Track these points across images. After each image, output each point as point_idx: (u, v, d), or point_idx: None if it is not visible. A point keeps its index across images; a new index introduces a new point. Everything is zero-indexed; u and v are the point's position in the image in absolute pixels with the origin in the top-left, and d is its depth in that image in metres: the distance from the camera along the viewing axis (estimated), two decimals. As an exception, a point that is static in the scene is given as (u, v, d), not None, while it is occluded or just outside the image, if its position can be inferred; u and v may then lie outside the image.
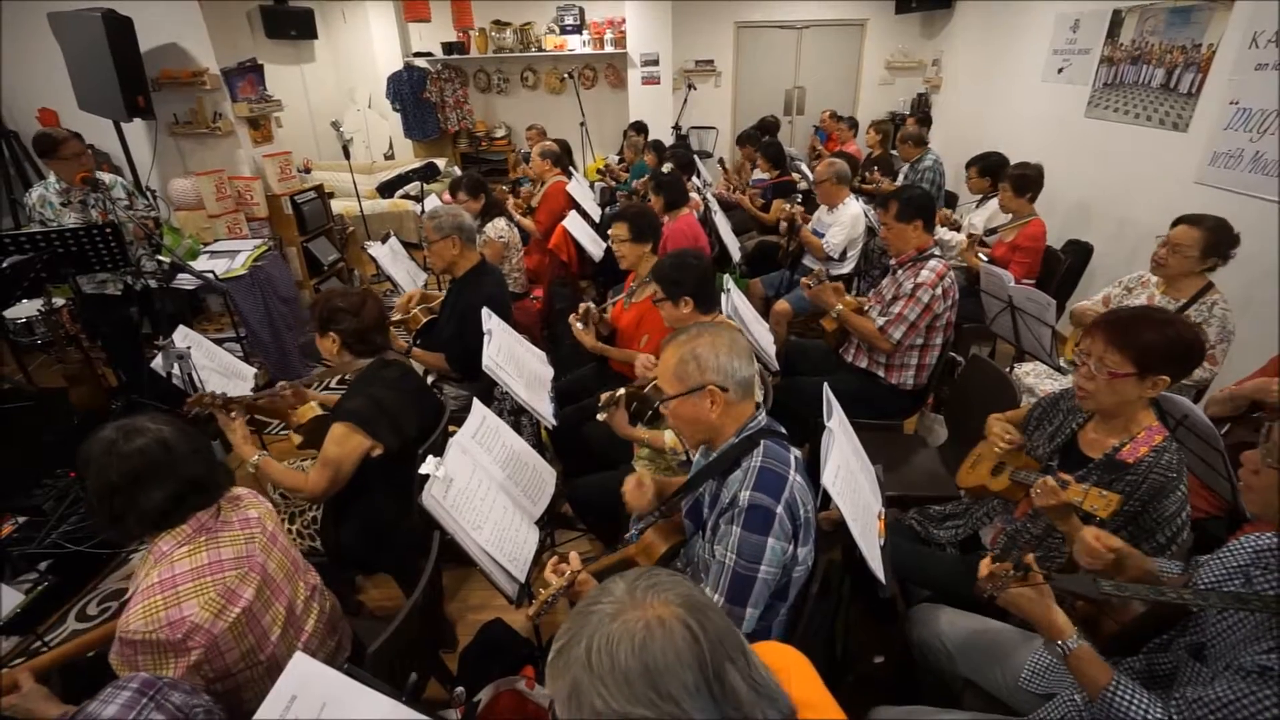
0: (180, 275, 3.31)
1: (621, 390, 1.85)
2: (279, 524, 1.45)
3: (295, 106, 6.25)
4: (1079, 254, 3.61)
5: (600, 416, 1.81)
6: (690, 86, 7.39)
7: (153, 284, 3.21)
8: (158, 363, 2.29)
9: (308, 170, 5.40)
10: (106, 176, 3.16)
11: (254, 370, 2.65)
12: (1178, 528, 1.36)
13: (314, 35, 6.43)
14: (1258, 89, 2.83)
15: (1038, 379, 2.62)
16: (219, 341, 2.86)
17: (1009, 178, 3.34)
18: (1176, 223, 2.28)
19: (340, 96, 7.64)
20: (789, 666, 0.86)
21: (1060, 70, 4.45)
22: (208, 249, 3.88)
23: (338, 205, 5.41)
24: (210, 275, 3.31)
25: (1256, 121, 2.82)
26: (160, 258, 3.23)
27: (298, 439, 2.02)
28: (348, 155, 5.29)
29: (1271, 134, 2.75)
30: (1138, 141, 3.66)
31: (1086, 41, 4.15)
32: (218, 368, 2.51)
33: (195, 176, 4.03)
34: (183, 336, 2.39)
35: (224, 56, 4.01)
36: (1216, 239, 2.18)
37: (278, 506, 1.94)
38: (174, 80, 3.93)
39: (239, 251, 3.78)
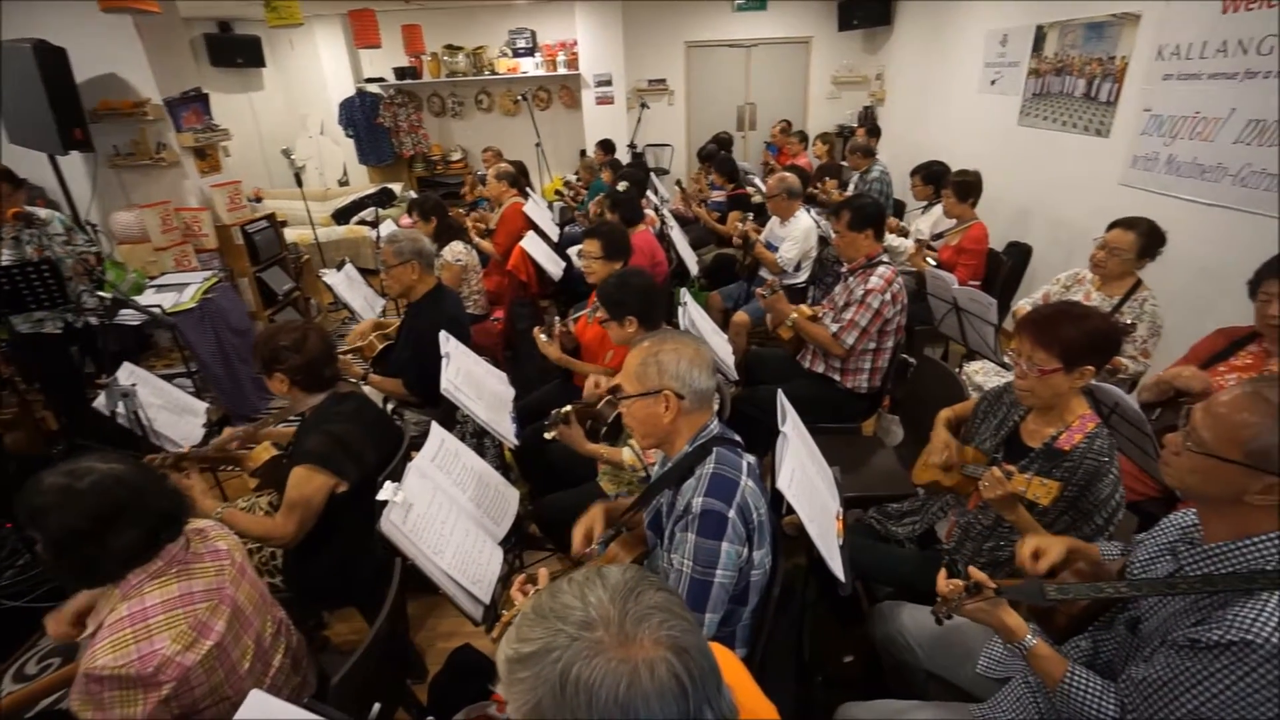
0: (124, 311, 3.20)
1: (568, 407, 1.85)
2: (247, 556, 1.42)
3: (244, 135, 6.14)
4: (1019, 255, 3.79)
5: (548, 435, 1.80)
6: (644, 105, 7.52)
7: (94, 321, 3.10)
8: (100, 402, 2.21)
9: (258, 199, 5.30)
10: (43, 211, 3.05)
11: (206, 405, 2.58)
12: (1113, 509, 1.43)
13: (261, 63, 6.37)
14: (1166, 97, 3.04)
15: (986, 376, 2.73)
16: (169, 378, 2.77)
17: (951, 184, 3.50)
18: (1112, 226, 2.42)
19: (291, 124, 7.54)
20: (724, 670, 0.88)
21: (993, 82, 4.69)
22: (154, 283, 3.77)
23: (291, 234, 5.31)
24: (156, 310, 3.21)
25: (1168, 127, 3.02)
26: (102, 294, 3.11)
27: (253, 482, 1.97)
28: (300, 183, 5.22)
29: (1183, 139, 2.94)
30: (1066, 147, 3.86)
31: (1015, 55, 4.39)
32: (166, 405, 2.42)
33: (139, 209, 3.92)
34: (128, 374, 2.30)
35: (166, 86, 3.92)
36: (1149, 241, 2.35)
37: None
38: (114, 111, 3.82)
39: (188, 284, 3.68)
